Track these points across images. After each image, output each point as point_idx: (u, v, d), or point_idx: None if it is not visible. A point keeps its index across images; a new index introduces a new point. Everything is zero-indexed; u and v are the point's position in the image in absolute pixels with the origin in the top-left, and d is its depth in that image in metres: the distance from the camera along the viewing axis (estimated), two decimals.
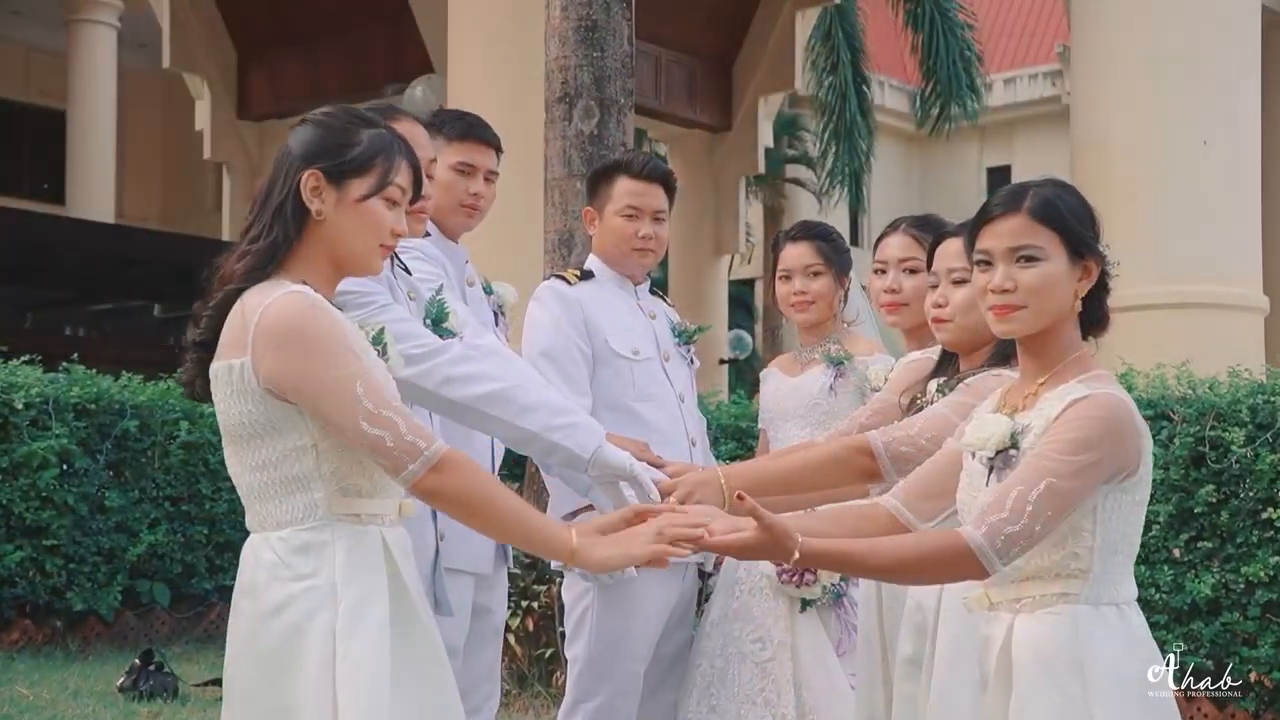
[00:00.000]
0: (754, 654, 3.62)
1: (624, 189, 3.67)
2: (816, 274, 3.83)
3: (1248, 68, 8.97)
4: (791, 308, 3.87)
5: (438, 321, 3.01)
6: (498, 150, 3.51)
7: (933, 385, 2.88)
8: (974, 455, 2.33)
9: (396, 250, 2.78)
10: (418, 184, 2.37)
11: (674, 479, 2.85)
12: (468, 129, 3.46)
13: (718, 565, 3.77)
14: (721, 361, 16.55)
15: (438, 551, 3.10)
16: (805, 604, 3.59)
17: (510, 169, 7.62)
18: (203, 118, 15.39)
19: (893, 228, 3.53)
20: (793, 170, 21.83)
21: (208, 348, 2.27)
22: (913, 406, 2.87)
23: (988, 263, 2.30)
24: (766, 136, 16.02)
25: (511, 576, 5.15)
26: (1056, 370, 2.30)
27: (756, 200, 21.05)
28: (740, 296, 22.29)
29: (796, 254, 3.86)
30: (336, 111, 2.36)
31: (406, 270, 3.08)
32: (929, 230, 3.22)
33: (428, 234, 3.32)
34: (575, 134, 5.64)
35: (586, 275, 3.71)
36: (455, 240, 3.48)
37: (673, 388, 3.67)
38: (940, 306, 2.88)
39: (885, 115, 24.60)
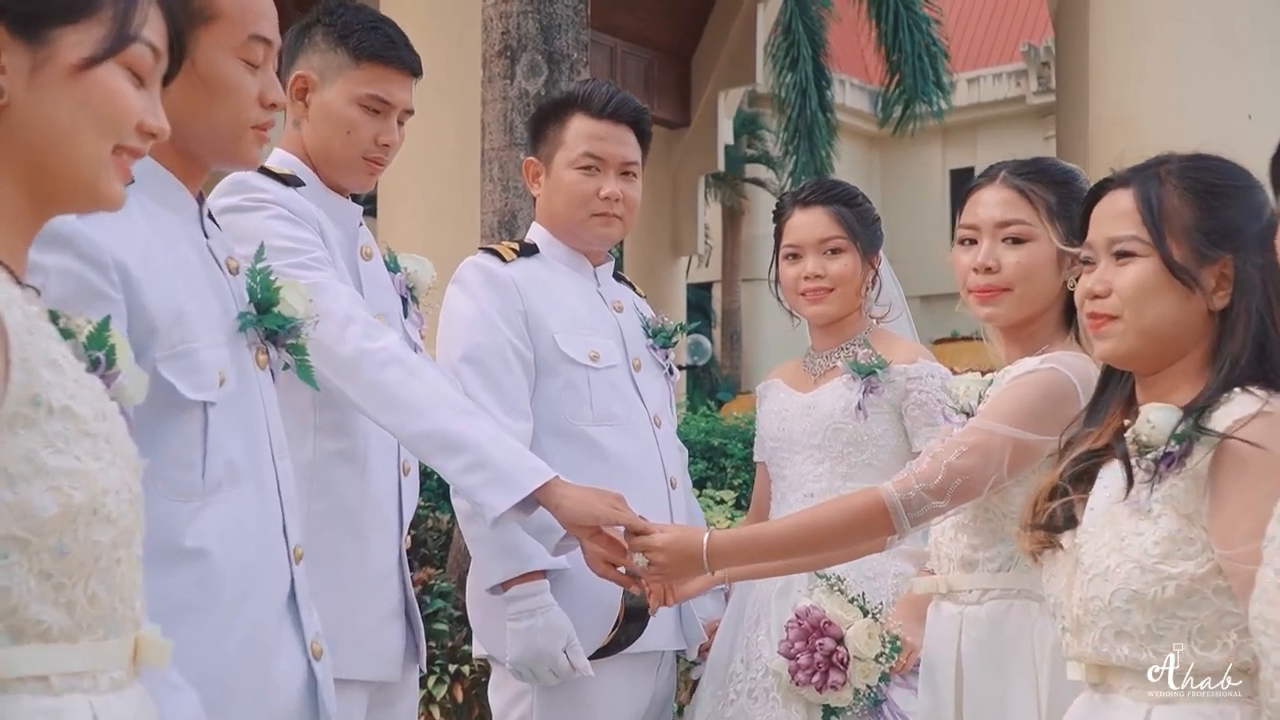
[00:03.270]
0: None
1: (581, 131, 2.74)
2: (837, 251, 2.84)
3: None
4: (802, 297, 2.87)
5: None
6: (417, 77, 2.52)
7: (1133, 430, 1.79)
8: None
9: (190, 186, 1.84)
10: (177, 48, 1.42)
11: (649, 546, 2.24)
12: (386, 47, 2.43)
13: (703, 652, 2.80)
14: (680, 368, 15.85)
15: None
16: (830, 714, 2.59)
17: (441, 137, 6.46)
18: None
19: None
20: (752, 170, 21.61)
21: None
22: (1069, 454, 1.88)
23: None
24: (727, 134, 15.85)
25: (437, 633, 4.16)
26: None
27: (715, 201, 20.53)
28: (698, 300, 21.84)
29: (808, 224, 2.86)
30: None
31: (215, 223, 1.92)
32: (1036, 179, 2.27)
33: (295, 180, 2.35)
34: (518, 94, 4.66)
35: (527, 250, 2.75)
36: (345, 195, 2.50)
37: (645, 407, 2.72)
38: (1100, 297, 1.83)
39: (846, 115, 24.21)
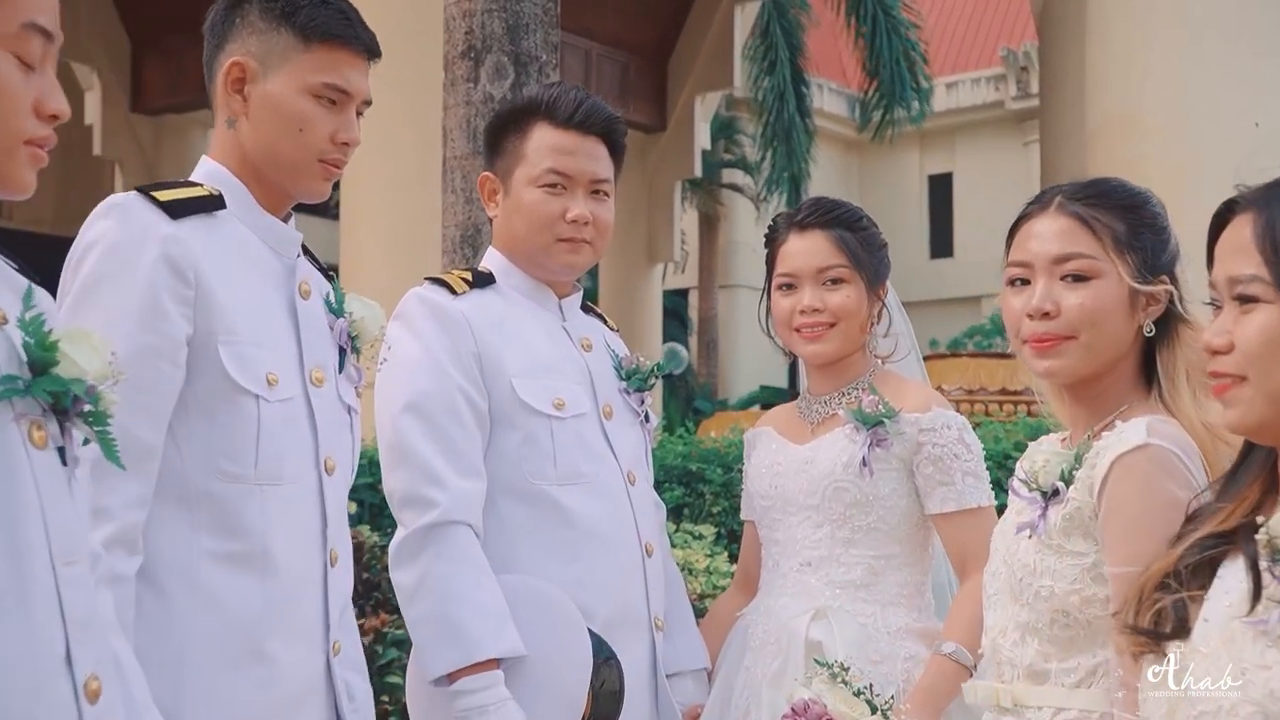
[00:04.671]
0: None
1: (544, 143, 2.38)
2: (838, 281, 2.47)
3: None
4: (797, 334, 2.49)
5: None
6: (375, 59, 2.11)
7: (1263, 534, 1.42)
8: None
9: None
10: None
11: None
12: (341, 25, 2.02)
13: None
14: (653, 372, 15.63)
15: None
16: None
17: (402, 145, 6.11)
18: (92, 111, 14.37)
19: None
20: (729, 175, 21.44)
21: None
22: (1191, 532, 1.51)
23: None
24: (704, 138, 15.66)
25: (390, 687, 3.79)
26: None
27: (691, 206, 20.34)
28: (674, 307, 21.60)
29: (806, 251, 2.48)
30: None
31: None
32: (1098, 203, 1.90)
33: (207, 203, 1.96)
34: (483, 99, 4.30)
35: (481, 280, 2.39)
36: (282, 215, 2.07)
37: (617, 462, 2.36)
38: (1221, 353, 1.48)
39: (824, 119, 24.09)
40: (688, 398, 20.68)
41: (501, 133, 2.42)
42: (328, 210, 7.43)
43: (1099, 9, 6.96)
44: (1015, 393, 7.03)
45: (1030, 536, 1.83)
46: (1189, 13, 6.57)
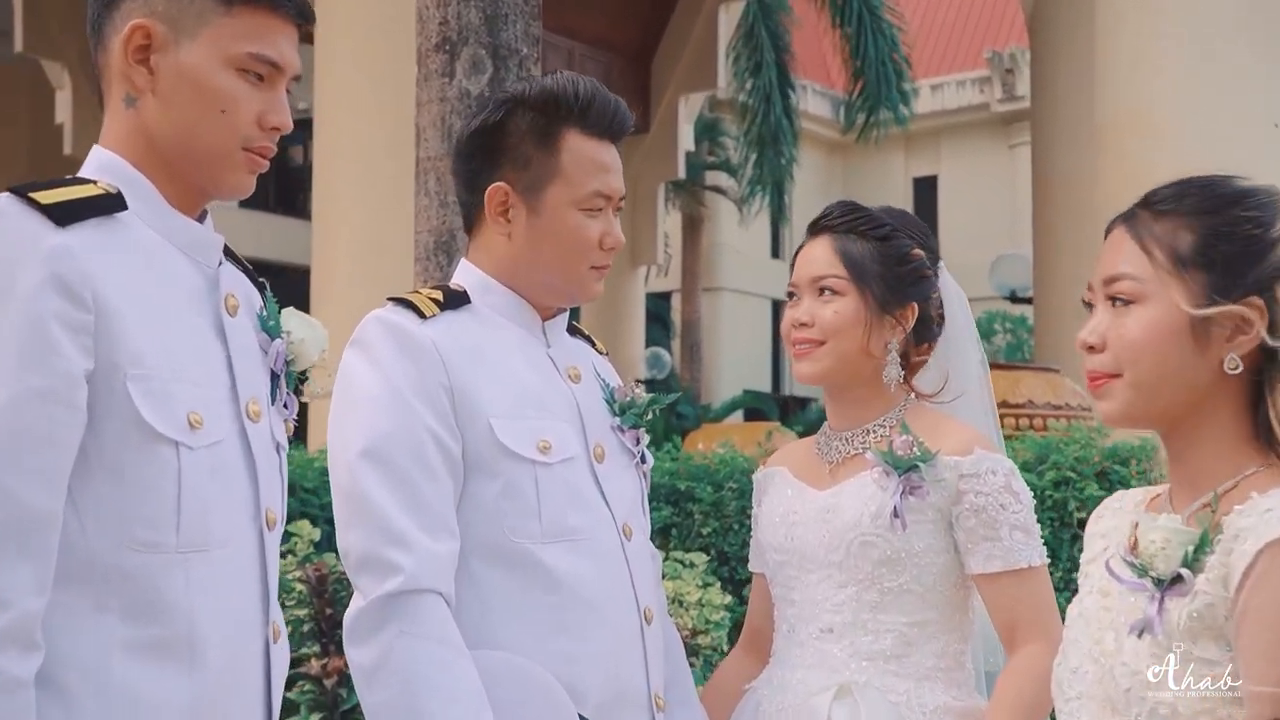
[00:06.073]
0: None
1: (584, 156, 2.01)
2: (830, 294, 2.15)
3: None
4: (792, 348, 2.18)
5: None
6: (307, 24, 1.73)
7: None
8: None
9: None
10: None
11: None
12: None
13: None
14: (638, 381, 15.48)
15: None
16: None
17: (375, 142, 5.84)
18: (63, 110, 14.34)
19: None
20: (713, 177, 21.21)
21: None
22: None
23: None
24: (687, 139, 15.60)
25: None
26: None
27: (674, 208, 20.12)
28: (657, 311, 21.30)
29: (807, 258, 2.18)
30: None
31: None
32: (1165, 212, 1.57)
33: (104, 203, 1.59)
34: (458, 95, 3.97)
35: (454, 299, 2.04)
36: (196, 215, 1.71)
37: (611, 512, 2.01)
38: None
39: (809, 121, 23.98)
40: (671, 402, 20.41)
41: (511, 136, 2.02)
42: (300, 209, 7.14)
43: (1108, 4, 6.67)
44: (1017, 405, 6.69)
45: (1141, 636, 1.49)
46: (1202, 6, 6.30)
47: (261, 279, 1.82)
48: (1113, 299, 1.58)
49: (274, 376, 1.74)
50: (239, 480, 1.64)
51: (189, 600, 1.56)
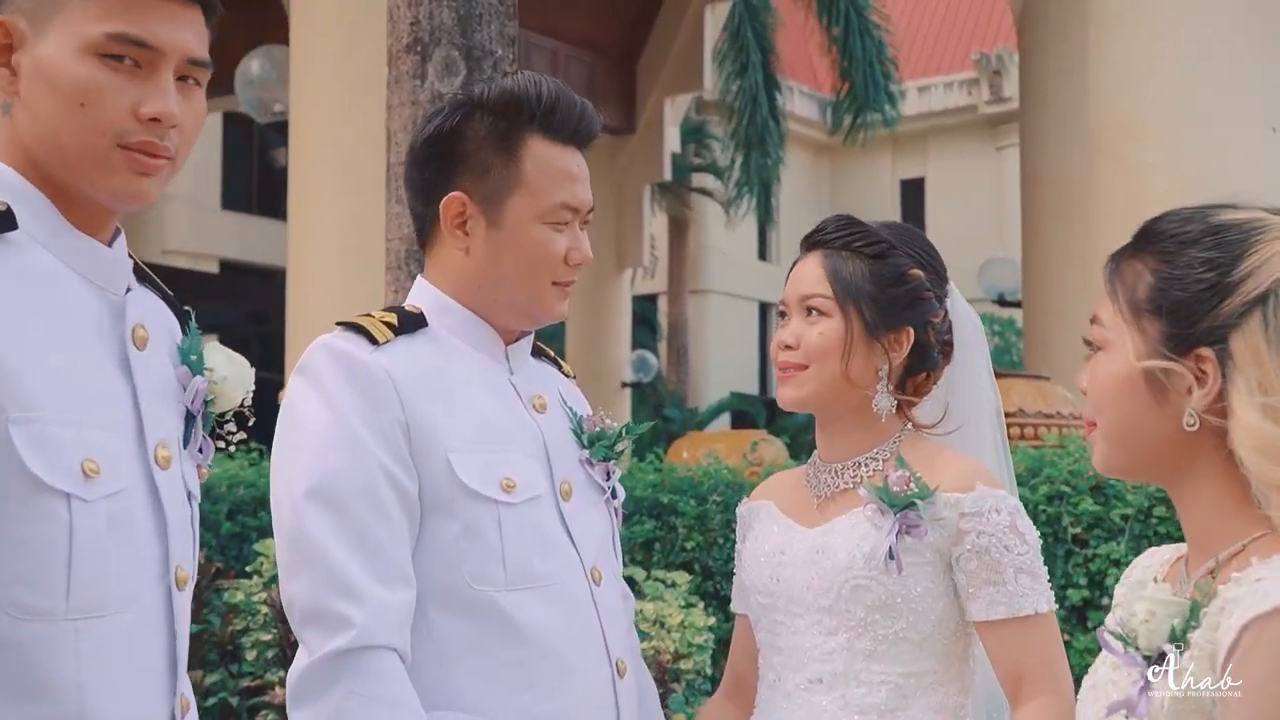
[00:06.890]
0: None
1: (549, 165, 1.86)
2: (817, 314, 1.99)
3: None
4: (778, 371, 2.03)
5: None
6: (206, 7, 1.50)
7: None
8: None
9: None
10: None
11: None
12: None
13: None
14: (624, 385, 15.54)
15: None
16: None
17: (348, 145, 5.70)
18: None
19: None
20: (699, 179, 21.16)
21: None
22: None
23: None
24: (673, 141, 15.48)
25: None
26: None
27: (660, 210, 20.04)
28: (643, 313, 21.18)
29: (796, 275, 2.03)
30: None
31: None
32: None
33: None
34: (430, 98, 3.81)
35: (411, 322, 1.88)
36: (102, 235, 1.49)
37: (579, 555, 1.85)
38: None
39: (795, 123, 23.89)
40: (657, 405, 20.29)
41: (469, 141, 1.86)
42: (284, 212, 6.99)
43: (1103, 5, 6.54)
44: (1007, 415, 6.56)
45: (1127, 719, 1.33)
46: (1197, 10, 6.17)
47: (186, 308, 1.61)
48: (1090, 343, 1.47)
49: (189, 417, 1.54)
50: (144, 535, 1.43)
51: (80, 674, 1.35)
